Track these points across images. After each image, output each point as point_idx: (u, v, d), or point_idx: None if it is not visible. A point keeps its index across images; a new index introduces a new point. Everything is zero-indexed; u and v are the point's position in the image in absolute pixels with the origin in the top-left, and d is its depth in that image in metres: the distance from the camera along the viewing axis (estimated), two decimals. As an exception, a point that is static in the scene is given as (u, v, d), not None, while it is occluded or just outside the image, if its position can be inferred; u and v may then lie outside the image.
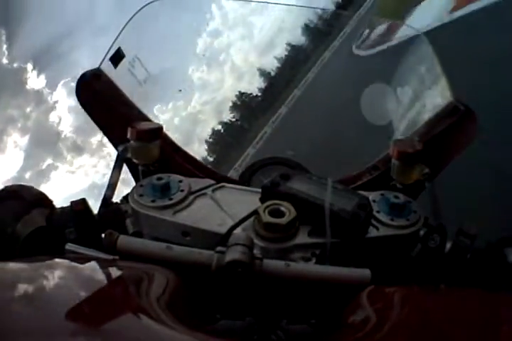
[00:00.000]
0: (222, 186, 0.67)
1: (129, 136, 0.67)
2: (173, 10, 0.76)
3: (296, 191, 0.59)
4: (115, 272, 0.45)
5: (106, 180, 0.69)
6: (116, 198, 0.68)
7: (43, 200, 0.66)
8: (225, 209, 0.61)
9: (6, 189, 0.66)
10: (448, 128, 0.75)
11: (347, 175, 0.81)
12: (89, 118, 0.75)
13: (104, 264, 0.45)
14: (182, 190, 0.63)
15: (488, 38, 3.61)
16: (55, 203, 0.68)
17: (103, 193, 0.67)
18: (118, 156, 0.69)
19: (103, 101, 0.74)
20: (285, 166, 0.80)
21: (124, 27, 0.77)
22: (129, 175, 0.75)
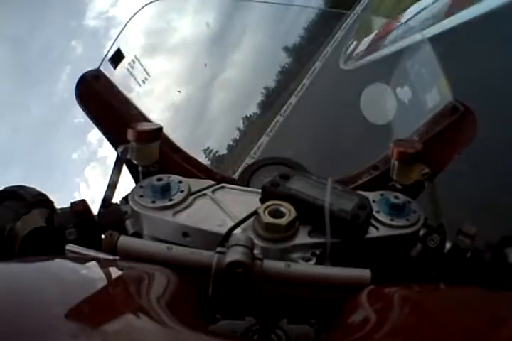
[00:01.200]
0: (222, 187, 0.67)
1: (128, 136, 0.67)
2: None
3: (296, 191, 0.59)
4: (115, 272, 0.45)
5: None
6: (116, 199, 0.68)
7: (44, 201, 0.66)
8: (225, 209, 0.61)
9: (7, 189, 0.66)
10: (447, 128, 0.75)
11: (347, 175, 0.81)
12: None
13: (104, 264, 0.45)
14: (182, 191, 0.63)
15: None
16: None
17: (103, 194, 0.67)
18: (118, 157, 0.69)
19: (102, 101, 0.74)
20: (285, 166, 0.80)
21: (123, 28, 0.77)
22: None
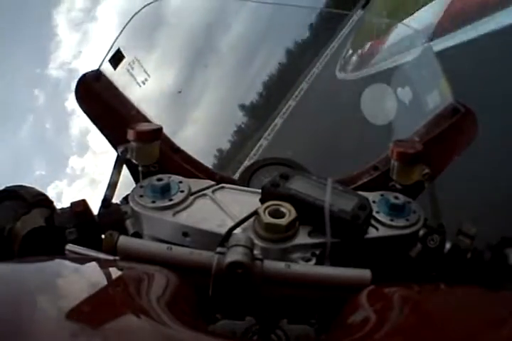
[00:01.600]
0: (222, 187, 0.67)
1: (128, 136, 0.67)
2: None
3: (296, 191, 0.59)
4: (115, 272, 0.45)
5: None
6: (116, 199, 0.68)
7: (43, 201, 0.66)
8: (225, 209, 0.61)
9: (7, 189, 0.66)
10: (448, 128, 0.75)
11: (347, 176, 0.81)
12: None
13: (104, 264, 0.45)
14: (182, 191, 0.63)
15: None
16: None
17: (103, 194, 0.67)
18: (118, 157, 0.69)
19: (102, 102, 0.74)
20: (285, 166, 0.80)
21: (123, 28, 0.77)
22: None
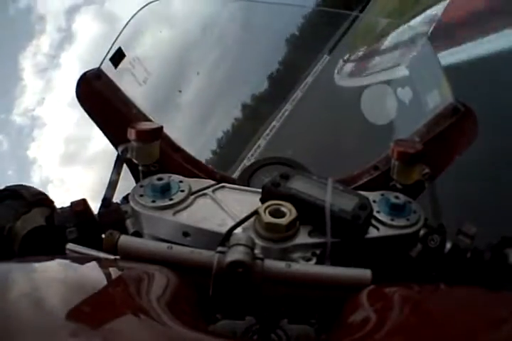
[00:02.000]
0: (223, 186, 0.67)
1: (129, 136, 0.67)
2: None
3: (296, 191, 0.59)
4: (116, 272, 0.45)
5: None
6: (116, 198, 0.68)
7: (44, 200, 0.66)
8: (226, 209, 0.61)
9: (7, 188, 0.66)
10: (448, 128, 0.75)
11: (347, 175, 0.81)
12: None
13: (104, 264, 0.45)
14: (182, 191, 0.63)
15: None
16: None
17: (103, 193, 0.67)
18: (118, 156, 0.69)
19: (103, 101, 0.74)
20: (285, 166, 0.80)
21: (124, 27, 0.77)
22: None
